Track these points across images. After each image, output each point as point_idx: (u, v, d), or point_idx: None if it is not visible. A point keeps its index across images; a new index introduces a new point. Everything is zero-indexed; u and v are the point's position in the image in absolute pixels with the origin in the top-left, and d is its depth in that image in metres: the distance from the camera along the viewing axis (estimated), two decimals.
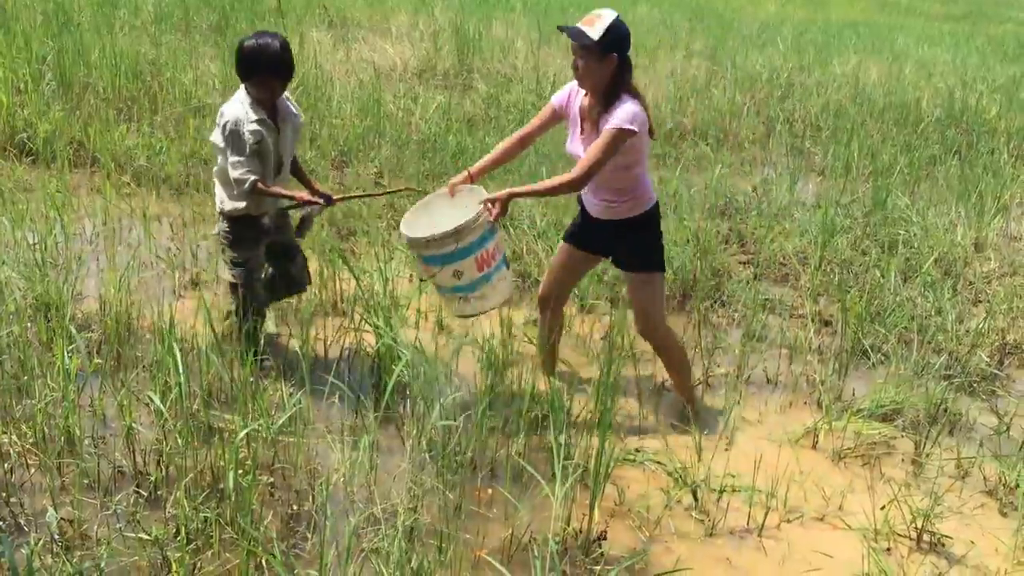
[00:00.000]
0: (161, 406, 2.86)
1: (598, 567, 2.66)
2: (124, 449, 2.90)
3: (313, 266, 3.91)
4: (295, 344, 3.67)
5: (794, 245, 5.15)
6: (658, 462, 3.19)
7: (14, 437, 2.86)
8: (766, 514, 2.97)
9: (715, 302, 4.57)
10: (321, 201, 3.38)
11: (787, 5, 18.17)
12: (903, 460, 3.43)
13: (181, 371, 2.89)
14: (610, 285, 4.56)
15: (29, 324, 3.43)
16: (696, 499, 3.01)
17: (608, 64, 3.09)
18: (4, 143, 5.60)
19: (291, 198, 3.38)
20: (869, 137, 7.57)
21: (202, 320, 3.30)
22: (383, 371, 3.28)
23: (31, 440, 2.85)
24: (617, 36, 3.08)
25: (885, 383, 3.81)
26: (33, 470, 2.81)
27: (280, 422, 2.91)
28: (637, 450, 3.28)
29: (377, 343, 3.40)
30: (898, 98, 8.85)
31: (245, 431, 2.77)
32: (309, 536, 2.66)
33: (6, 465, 2.77)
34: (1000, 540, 2.99)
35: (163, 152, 5.59)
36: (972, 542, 2.96)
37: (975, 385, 3.97)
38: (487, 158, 3.45)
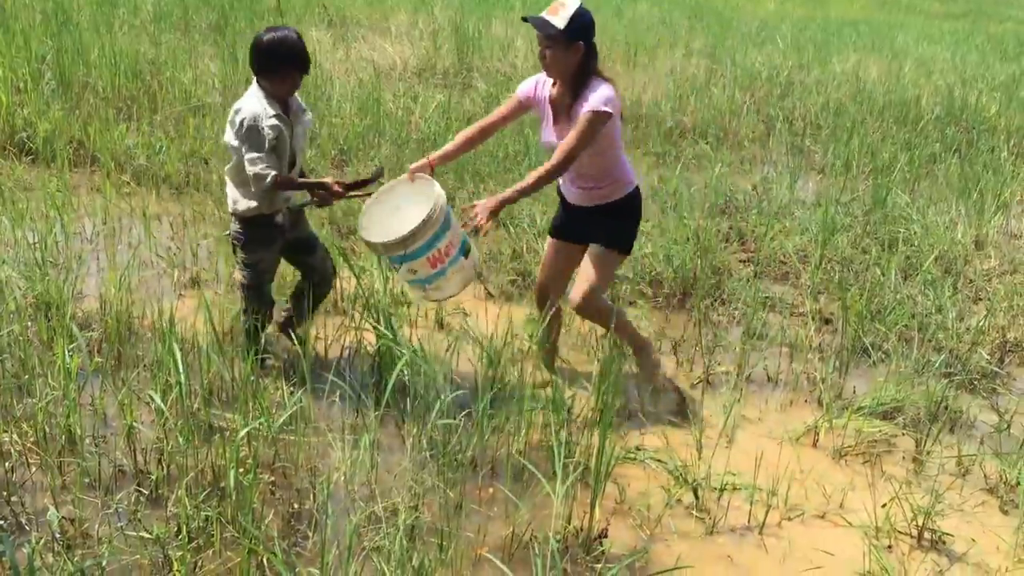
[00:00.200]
0: (162, 405, 2.86)
1: (599, 565, 2.66)
2: (125, 448, 2.90)
3: None
4: (295, 343, 3.67)
5: (794, 243, 5.15)
6: (659, 460, 3.19)
7: (15, 436, 2.87)
8: (767, 512, 2.97)
9: (715, 300, 4.58)
10: (340, 190, 3.33)
11: (786, 3, 18.17)
12: (904, 458, 3.43)
13: (182, 370, 2.88)
14: (610, 283, 4.55)
15: (30, 323, 3.43)
16: (697, 497, 3.01)
17: (575, 52, 3.12)
18: (4, 142, 5.60)
19: (316, 186, 3.32)
20: (869, 135, 7.56)
21: (203, 319, 3.30)
22: (383, 370, 3.28)
23: (32, 439, 2.86)
24: (582, 23, 3.10)
25: (886, 381, 3.81)
26: (34, 469, 2.81)
27: (281, 421, 2.91)
28: (638, 448, 3.28)
29: (377, 342, 3.40)
30: (898, 96, 8.85)
31: (246, 430, 2.77)
32: (310, 534, 2.66)
33: (7, 464, 2.77)
34: (1001, 538, 2.99)
35: (163, 151, 5.59)
36: (973, 540, 2.96)
37: (976, 383, 3.97)
38: (448, 146, 3.47)
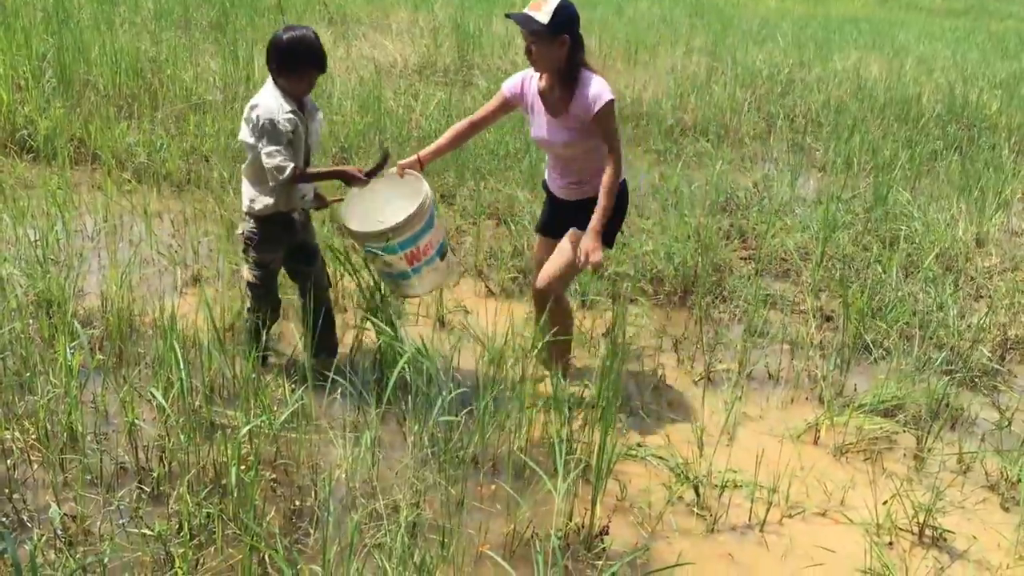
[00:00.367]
0: (163, 402, 2.86)
1: (600, 562, 2.66)
2: (126, 445, 2.90)
3: None
4: (297, 341, 3.67)
5: (795, 241, 5.15)
6: (660, 457, 3.20)
7: (17, 433, 2.87)
8: (768, 509, 2.97)
9: (716, 298, 4.57)
10: (363, 177, 3.32)
11: (787, 0, 18.15)
12: (905, 455, 3.43)
13: (183, 367, 2.88)
14: (611, 281, 4.56)
15: (31, 321, 3.43)
16: (698, 495, 3.01)
17: (561, 45, 3.12)
18: (5, 140, 5.60)
19: (338, 174, 3.32)
20: (870, 133, 7.56)
21: (204, 316, 3.30)
22: (385, 367, 3.28)
23: (34, 436, 2.86)
24: (566, 16, 3.10)
25: (887, 378, 3.81)
26: (36, 466, 2.81)
27: (282, 418, 2.91)
28: (639, 445, 3.29)
29: (378, 339, 3.40)
30: (899, 93, 8.84)
31: (247, 427, 2.78)
32: (312, 532, 2.66)
33: (9, 461, 2.78)
34: (1002, 535, 2.99)
35: (164, 149, 5.59)
36: (974, 537, 2.96)
37: (976, 380, 3.97)
38: (437, 143, 3.50)
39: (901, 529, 2.95)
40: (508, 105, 3.41)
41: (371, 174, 3.36)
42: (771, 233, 5.19)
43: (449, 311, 4.16)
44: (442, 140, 3.50)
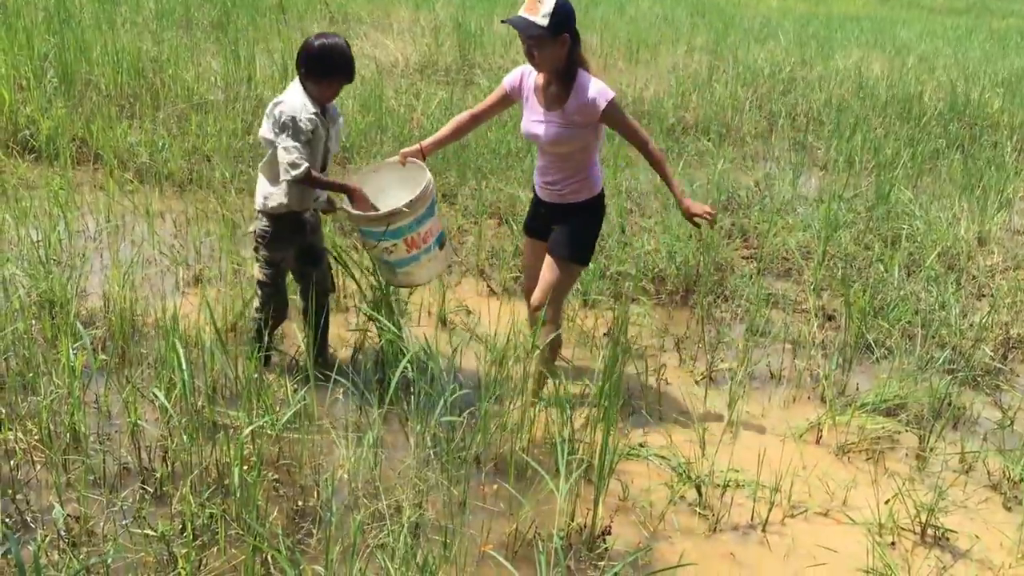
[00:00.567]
0: (166, 403, 2.87)
1: (602, 562, 2.66)
2: (129, 446, 2.91)
3: None
4: (299, 340, 3.67)
5: (797, 240, 5.15)
6: (662, 457, 3.20)
7: (20, 434, 2.87)
8: (770, 509, 2.97)
9: (718, 297, 4.57)
10: (361, 201, 3.32)
11: None
12: (907, 455, 3.43)
13: (185, 368, 2.89)
14: (613, 280, 4.56)
15: (34, 321, 3.44)
16: (700, 494, 3.02)
17: (562, 44, 3.11)
18: (7, 140, 5.60)
19: (342, 188, 3.32)
20: (872, 131, 7.55)
21: (205, 317, 3.30)
22: (387, 367, 3.28)
23: (37, 437, 2.86)
24: (564, 15, 3.08)
25: (889, 378, 3.81)
26: (39, 467, 2.82)
27: (285, 418, 2.91)
28: (641, 445, 3.29)
29: (380, 339, 3.40)
30: (901, 92, 8.83)
31: (250, 428, 2.78)
32: (314, 532, 2.66)
33: (12, 462, 2.78)
34: (1004, 534, 2.99)
35: (166, 149, 5.59)
36: (976, 536, 2.96)
37: (979, 379, 3.97)
38: (439, 134, 3.51)
39: (903, 529, 2.95)
40: (508, 99, 3.41)
41: (368, 206, 3.36)
42: (773, 232, 5.19)
43: (451, 311, 4.17)
44: (444, 131, 3.51)
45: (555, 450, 2.82)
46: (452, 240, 3.70)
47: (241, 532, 2.54)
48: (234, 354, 3.33)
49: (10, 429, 2.88)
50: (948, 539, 2.94)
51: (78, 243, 4.41)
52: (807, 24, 13.76)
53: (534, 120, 3.28)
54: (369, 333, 3.68)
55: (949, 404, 3.66)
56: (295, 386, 3.20)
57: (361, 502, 2.74)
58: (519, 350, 3.46)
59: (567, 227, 3.36)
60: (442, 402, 2.93)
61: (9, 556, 2.31)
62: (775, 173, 6.48)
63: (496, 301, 4.33)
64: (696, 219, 3.29)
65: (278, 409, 3.01)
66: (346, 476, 2.85)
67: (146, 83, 6.73)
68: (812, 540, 2.90)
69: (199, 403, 3.00)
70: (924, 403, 3.64)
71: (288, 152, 3.14)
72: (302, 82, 3.24)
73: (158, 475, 2.78)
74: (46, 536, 2.47)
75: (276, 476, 2.88)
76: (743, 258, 5.06)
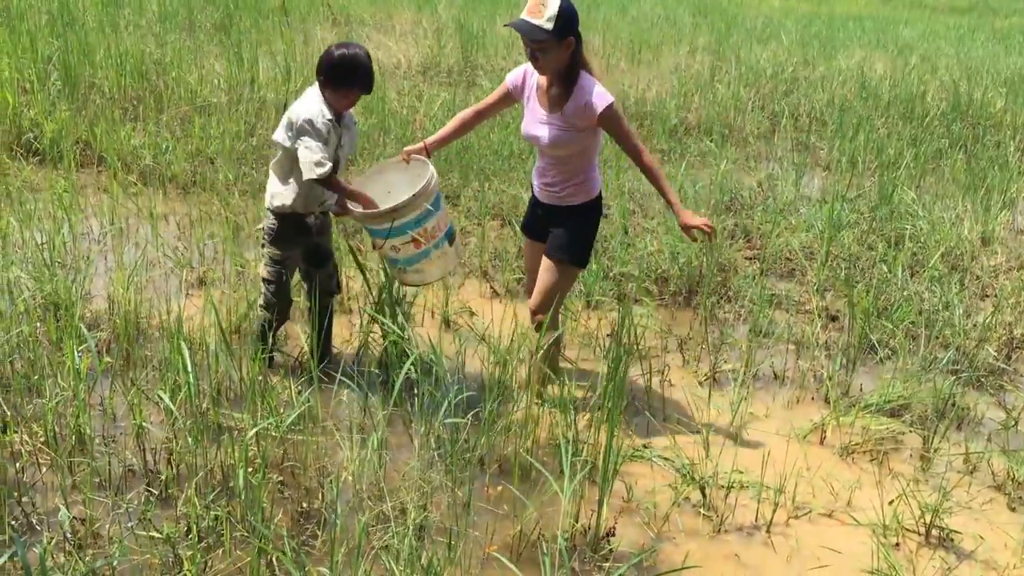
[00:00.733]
0: (171, 405, 2.87)
1: (607, 564, 2.66)
2: (134, 448, 2.92)
3: None
4: (303, 342, 3.68)
5: (800, 240, 5.15)
6: (666, 458, 3.20)
7: (25, 436, 2.88)
8: (774, 510, 2.98)
9: (721, 298, 4.58)
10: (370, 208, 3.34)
11: None
12: (911, 455, 3.43)
13: (190, 370, 2.89)
14: (616, 281, 4.56)
15: (39, 324, 3.44)
16: (704, 495, 3.02)
17: (567, 47, 3.10)
18: (11, 143, 5.62)
19: (356, 196, 3.32)
20: (875, 131, 7.55)
21: (210, 319, 3.31)
22: (391, 369, 3.29)
23: (42, 439, 2.87)
24: (568, 18, 3.05)
25: (893, 378, 3.81)
26: (44, 469, 2.82)
27: (289, 420, 2.92)
28: (645, 446, 3.29)
29: (385, 340, 3.41)
30: (903, 92, 8.83)
31: (255, 429, 2.79)
32: (319, 534, 2.67)
33: (18, 464, 2.79)
34: (1009, 535, 2.99)
35: (169, 151, 5.60)
36: (981, 537, 2.96)
37: (983, 380, 3.97)
38: (443, 131, 3.51)
39: (908, 529, 2.95)
40: (510, 97, 3.41)
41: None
42: (776, 233, 5.19)
43: (455, 312, 4.17)
44: (447, 128, 3.51)
45: (559, 452, 2.83)
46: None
47: (246, 534, 2.55)
48: (238, 356, 3.34)
49: (15, 431, 2.89)
50: (952, 540, 2.94)
51: (82, 246, 4.42)
52: (809, 24, 13.76)
53: (535, 122, 3.28)
54: (373, 334, 3.68)
55: (953, 405, 3.65)
56: (299, 388, 3.21)
57: (366, 504, 2.75)
58: (522, 352, 3.47)
59: (564, 230, 3.35)
60: (446, 404, 2.93)
61: (16, 559, 2.32)
62: (778, 173, 6.48)
63: (499, 302, 4.34)
64: (693, 232, 3.24)
65: (282, 411, 3.02)
66: (350, 478, 2.85)
67: (149, 86, 6.75)
68: (816, 541, 2.90)
69: (204, 405, 3.01)
70: (928, 404, 3.64)
71: (312, 152, 3.16)
72: (321, 89, 3.27)
73: (163, 477, 2.78)
74: (52, 538, 2.48)
75: (281, 478, 2.88)
76: (746, 259, 5.06)
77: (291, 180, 3.28)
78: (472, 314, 4.21)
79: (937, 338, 4.16)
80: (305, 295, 3.60)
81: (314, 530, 2.69)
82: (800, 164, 6.67)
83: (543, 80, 3.25)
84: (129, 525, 2.61)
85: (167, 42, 7.91)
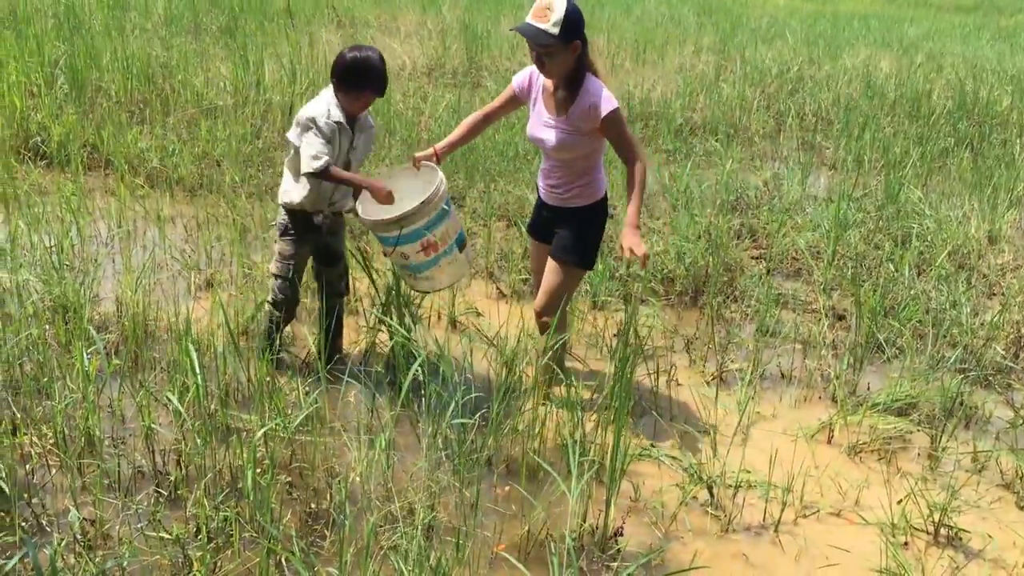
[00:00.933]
0: (179, 406, 2.89)
1: (615, 563, 2.66)
2: (143, 449, 2.93)
3: None
4: (311, 343, 3.69)
5: (806, 239, 5.14)
6: (673, 458, 3.20)
7: (35, 438, 2.90)
8: (782, 509, 2.97)
9: (728, 297, 4.57)
10: (386, 197, 3.32)
11: None
12: (919, 454, 3.42)
13: (198, 371, 2.91)
14: (622, 282, 4.56)
15: (48, 326, 3.46)
16: (712, 495, 3.02)
17: (573, 51, 3.10)
18: (18, 146, 5.64)
19: (365, 185, 3.33)
20: (880, 130, 7.53)
21: (218, 321, 3.32)
22: (398, 370, 3.30)
23: (52, 441, 2.88)
24: (574, 21, 3.05)
25: (900, 377, 3.80)
26: (54, 471, 2.84)
27: (297, 421, 2.93)
28: (652, 446, 3.29)
29: (391, 341, 3.41)
30: (909, 90, 8.81)
31: (262, 430, 2.80)
32: (328, 534, 2.68)
33: (28, 466, 2.81)
34: (1018, 534, 2.98)
35: (176, 154, 5.62)
36: (990, 536, 2.96)
37: (991, 378, 3.96)
38: (452, 136, 3.51)
39: (916, 528, 2.95)
40: (517, 100, 3.41)
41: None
42: (782, 232, 5.19)
43: (461, 313, 4.18)
44: (456, 133, 3.51)
45: (566, 452, 2.83)
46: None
47: (255, 534, 2.56)
48: (246, 358, 3.35)
49: (25, 433, 2.91)
50: (961, 539, 2.94)
51: (90, 248, 4.44)
52: (814, 23, 13.74)
53: (541, 124, 3.28)
54: (380, 335, 3.69)
55: (961, 403, 3.65)
56: (307, 389, 3.21)
57: (374, 504, 2.75)
58: (529, 352, 3.47)
59: (569, 231, 3.35)
60: (453, 404, 2.94)
61: (27, 560, 2.33)
62: (784, 173, 6.47)
63: (505, 303, 4.35)
64: (625, 251, 3.14)
65: (290, 412, 3.03)
66: (358, 478, 2.86)
67: (156, 89, 6.78)
68: (825, 540, 2.90)
69: (212, 407, 3.02)
70: (936, 402, 3.63)
71: (311, 147, 3.20)
72: (335, 91, 3.30)
73: (172, 478, 2.79)
74: (62, 539, 2.49)
75: (289, 479, 2.89)
76: (752, 258, 5.05)
77: (302, 178, 3.31)
78: (478, 315, 4.21)
79: (945, 337, 4.15)
80: (313, 296, 3.62)
81: (323, 530, 2.70)
82: (806, 163, 6.66)
83: (549, 83, 3.25)
84: (139, 526, 2.62)
85: (173, 45, 7.94)
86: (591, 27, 3.27)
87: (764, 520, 2.96)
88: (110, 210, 4.87)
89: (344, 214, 3.59)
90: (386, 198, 3.28)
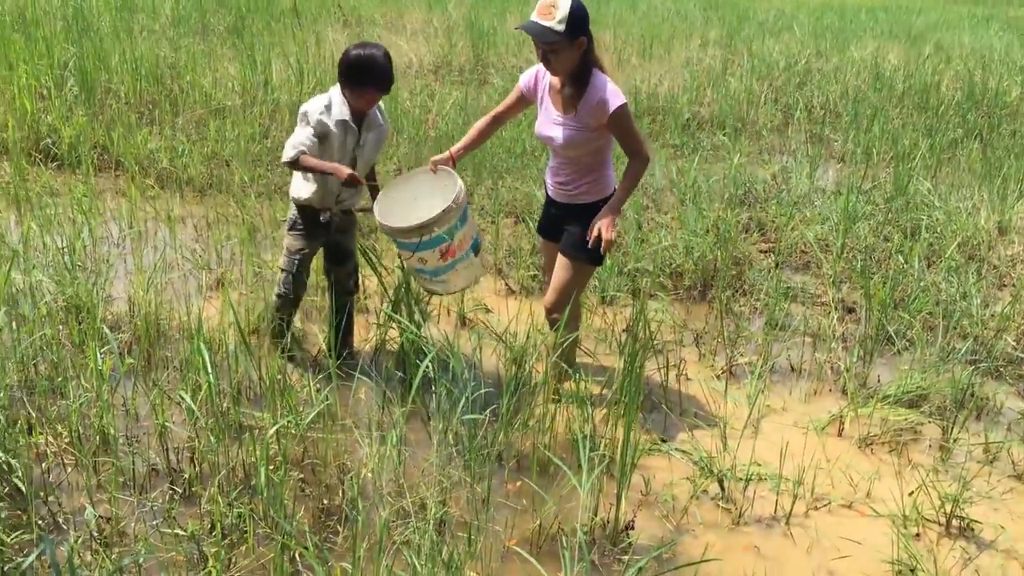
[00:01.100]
0: (192, 405, 2.91)
1: (626, 557, 2.67)
2: (157, 447, 2.95)
3: None
4: (321, 341, 3.71)
5: (815, 232, 5.13)
6: (684, 451, 3.21)
7: (50, 437, 2.93)
8: (793, 502, 2.98)
9: (737, 291, 4.57)
10: (356, 179, 3.31)
11: None
12: (930, 446, 3.42)
13: (210, 370, 2.93)
14: (631, 276, 4.57)
15: (61, 327, 3.49)
16: (722, 488, 3.02)
17: (579, 47, 3.10)
18: (29, 149, 5.69)
19: (333, 171, 3.28)
20: (889, 122, 7.50)
21: (229, 319, 3.35)
22: (409, 366, 3.31)
23: (67, 440, 2.91)
24: (579, 18, 3.04)
25: (911, 369, 3.79)
26: (70, 469, 2.87)
27: (309, 418, 2.94)
28: (663, 439, 3.30)
29: (401, 338, 3.43)
30: (918, 82, 8.77)
31: (275, 428, 2.81)
32: (341, 530, 2.70)
33: (44, 465, 2.83)
34: None
35: (185, 154, 5.65)
36: (1002, 527, 2.95)
37: (1002, 369, 3.95)
38: (465, 139, 3.51)
39: (928, 520, 2.95)
40: (525, 99, 3.42)
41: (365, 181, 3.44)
42: (790, 225, 5.18)
43: (470, 310, 4.19)
44: (469, 137, 3.51)
45: (577, 446, 2.84)
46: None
47: (269, 531, 2.58)
48: (257, 356, 3.37)
49: (41, 433, 2.94)
50: (973, 530, 2.93)
51: (102, 249, 4.48)
52: (822, 15, 13.69)
53: (549, 122, 3.29)
54: (390, 332, 3.71)
55: (972, 395, 3.64)
56: (318, 386, 3.23)
57: (386, 500, 2.77)
58: (538, 348, 3.48)
59: (579, 227, 3.35)
60: (464, 400, 2.95)
61: (44, 557, 2.36)
62: (792, 166, 6.46)
63: (514, 300, 4.36)
64: (593, 230, 3.16)
65: (302, 409, 3.05)
66: (370, 474, 2.88)
67: (164, 90, 6.81)
68: (836, 532, 2.90)
69: (224, 405, 3.04)
70: (947, 394, 3.63)
71: (293, 136, 3.27)
72: (341, 88, 3.33)
73: (186, 476, 2.82)
74: (79, 537, 2.51)
75: (302, 475, 2.91)
76: (761, 252, 5.05)
77: (310, 175, 3.33)
78: (487, 311, 4.23)
79: (955, 328, 4.14)
80: (323, 294, 3.64)
81: (335, 526, 2.72)
82: (814, 156, 6.64)
83: (556, 80, 3.25)
84: (154, 523, 2.65)
85: (181, 46, 7.98)
86: (597, 23, 3.27)
87: (775, 513, 2.97)
88: (121, 211, 4.90)
89: (355, 212, 3.61)
90: (350, 178, 3.25)
